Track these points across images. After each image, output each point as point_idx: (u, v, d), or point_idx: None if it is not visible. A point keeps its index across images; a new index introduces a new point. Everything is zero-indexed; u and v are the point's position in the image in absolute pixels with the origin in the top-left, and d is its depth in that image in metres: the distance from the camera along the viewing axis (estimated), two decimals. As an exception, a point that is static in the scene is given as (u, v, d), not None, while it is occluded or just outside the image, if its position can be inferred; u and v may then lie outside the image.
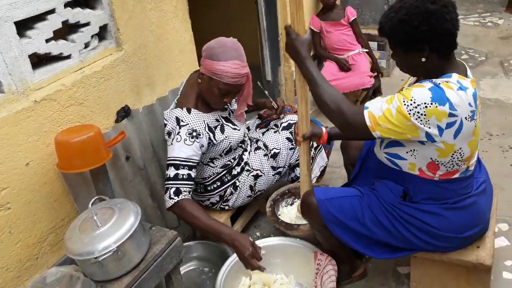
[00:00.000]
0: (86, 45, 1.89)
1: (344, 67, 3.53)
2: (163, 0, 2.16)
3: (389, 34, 1.52)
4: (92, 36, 1.91)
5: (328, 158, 2.58)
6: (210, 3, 4.73)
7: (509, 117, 3.37)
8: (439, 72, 1.52)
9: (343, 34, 3.59)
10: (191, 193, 2.01)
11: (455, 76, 1.48)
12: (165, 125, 2.03)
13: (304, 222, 2.09)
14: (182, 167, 1.95)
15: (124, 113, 2.06)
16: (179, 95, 2.14)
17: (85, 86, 1.86)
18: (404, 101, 1.45)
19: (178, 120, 1.97)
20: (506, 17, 5.51)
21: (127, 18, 1.99)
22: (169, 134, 2.01)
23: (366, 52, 3.65)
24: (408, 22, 1.44)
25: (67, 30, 1.87)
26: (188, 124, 1.96)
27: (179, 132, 1.96)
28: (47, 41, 1.73)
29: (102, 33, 1.97)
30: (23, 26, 1.65)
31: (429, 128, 1.45)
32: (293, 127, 2.36)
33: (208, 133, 2.01)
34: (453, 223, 1.65)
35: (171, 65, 2.31)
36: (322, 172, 2.55)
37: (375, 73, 3.58)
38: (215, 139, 2.04)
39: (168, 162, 1.99)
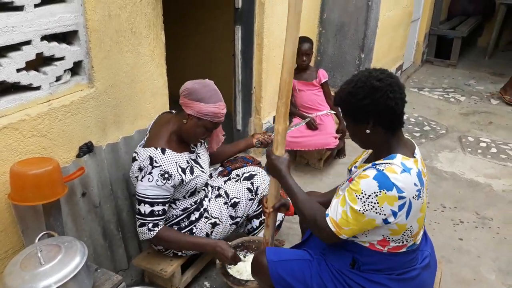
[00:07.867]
0: (58, 79, 1.91)
1: (312, 126, 3.63)
2: (141, 44, 2.21)
3: (339, 103, 1.65)
4: (65, 71, 1.92)
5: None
6: (189, 50, 4.86)
7: (462, 191, 3.51)
8: (386, 147, 1.62)
9: (314, 94, 3.72)
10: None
11: (399, 158, 1.56)
12: (134, 159, 2.05)
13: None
14: (156, 204, 2.02)
15: (87, 149, 2.05)
16: (147, 134, 2.15)
17: (51, 118, 1.86)
18: (356, 195, 1.54)
19: (151, 160, 1.98)
20: (468, 95, 5.85)
21: (103, 57, 2.03)
22: (140, 169, 2.01)
23: (334, 113, 3.78)
24: (355, 94, 1.56)
25: (41, 61, 1.88)
26: (161, 165, 1.98)
27: (151, 172, 1.97)
28: (18, 70, 1.73)
29: (75, 69, 1.99)
30: (-4, 53, 1.66)
31: (385, 214, 1.52)
32: (256, 186, 2.41)
33: (180, 174, 2.04)
34: (397, 294, 1.68)
35: (141, 106, 2.33)
36: (279, 226, 2.56)
37: (341, 134, 3.70)
38: (185, 180, 2.07)
39: (140, 197, 2.01)
